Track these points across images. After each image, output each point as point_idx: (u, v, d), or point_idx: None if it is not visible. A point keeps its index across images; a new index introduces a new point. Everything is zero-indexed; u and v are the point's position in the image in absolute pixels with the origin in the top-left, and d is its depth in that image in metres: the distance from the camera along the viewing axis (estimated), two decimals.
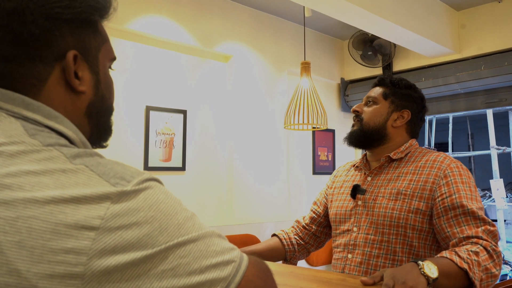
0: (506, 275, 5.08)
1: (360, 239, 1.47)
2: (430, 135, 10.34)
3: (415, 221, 1.38)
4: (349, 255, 1.49)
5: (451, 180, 1.38)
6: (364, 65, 4.23)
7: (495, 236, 1.29)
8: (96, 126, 0.70)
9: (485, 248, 1.24)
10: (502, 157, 9.22)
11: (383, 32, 3.42)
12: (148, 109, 3.15)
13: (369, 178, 1.56)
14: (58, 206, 0.48)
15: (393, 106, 1.56)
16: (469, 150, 11.39)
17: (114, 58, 0.73)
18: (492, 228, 1.29)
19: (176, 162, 3.27)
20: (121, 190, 0.51)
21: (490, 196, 9.86)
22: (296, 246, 1.71)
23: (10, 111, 0.58)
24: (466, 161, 12.37)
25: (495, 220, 9.14)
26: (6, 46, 0.59)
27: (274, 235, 1.75)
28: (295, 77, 4.05)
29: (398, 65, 4.20)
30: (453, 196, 1.34)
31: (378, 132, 1.55)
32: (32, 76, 0.61)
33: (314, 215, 1.76)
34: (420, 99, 1.60)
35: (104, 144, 0.74)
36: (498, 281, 1.30)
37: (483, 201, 10.02)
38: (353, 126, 1.62)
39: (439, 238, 1.37)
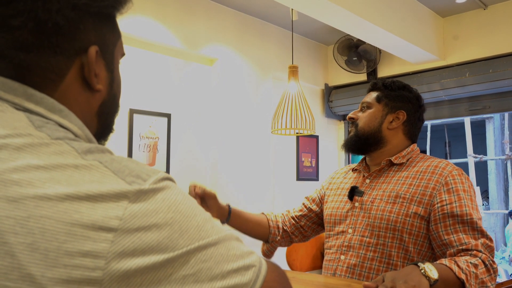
0: None
1: (355, 241, 1.44)
2: None
3: (412, 225, 1.36)
4: (342, 257, 1.46)
5: (452, 187, 1.36)
6: (348, 71, 4.22)
7: (492, 251, 1.29)
8: (102, 125, 0.67)
9: (483, 262, 1.24)
10: (478, 165, 9.40)
11: (369, 36, 3.42)
12: (132, 112, 3.06)
13: (367, 181, 1.54)
14: (73, 205, 0.45)
15: (387, 108, 1.55)
16: (446, 158, 11.57)
17: (124, 54, 0.70)
18: (490, 244, 1.29)
19: (160, 166, 3.19)
20: (139, 188, 0.48)
21: None
22: (280, 231, 1.69)
23: (11, 102, 0.53)
24: None
25: None
26: (27, 34, 0.54)
27: (262, 214, 1.74)
28: (279, 81, 4.03)
29: (383, 71, 4.21)
30: (454, 204, 1.32)
31: (373, 136, 1.53)
32: (52, 70, 0.56)
33: (304, 208, 1.74)
34: (416, 98, 1.58)
35: (104, 142, 0.70)
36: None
37: None
38: (349, 132, 1.61)
39: (435, 244, 1.35)
